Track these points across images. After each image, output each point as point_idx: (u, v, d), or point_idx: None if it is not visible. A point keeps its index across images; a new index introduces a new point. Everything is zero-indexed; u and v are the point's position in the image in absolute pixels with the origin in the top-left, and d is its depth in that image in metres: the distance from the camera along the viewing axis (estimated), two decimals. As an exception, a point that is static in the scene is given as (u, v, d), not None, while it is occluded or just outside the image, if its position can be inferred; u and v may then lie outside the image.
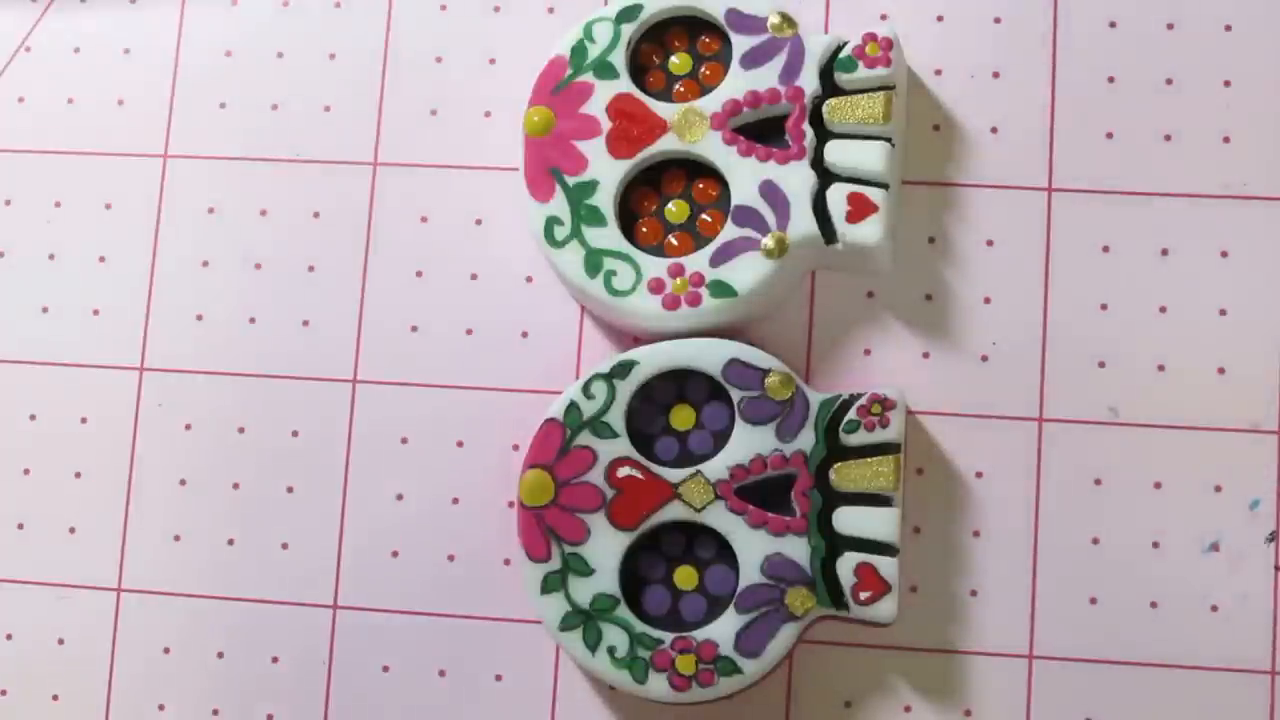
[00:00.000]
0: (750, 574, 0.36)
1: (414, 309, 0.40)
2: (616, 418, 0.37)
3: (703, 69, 0.38)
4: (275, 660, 0.39)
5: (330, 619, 0.39)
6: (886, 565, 0.36)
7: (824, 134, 0.38)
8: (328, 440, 0.40)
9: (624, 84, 0.38)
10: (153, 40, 0.42)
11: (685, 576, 0.37)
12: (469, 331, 0.40)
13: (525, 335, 0.40)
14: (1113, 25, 0.39)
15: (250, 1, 0.42)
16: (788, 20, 0.38)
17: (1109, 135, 0.39)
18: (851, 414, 0.36)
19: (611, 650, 0.36)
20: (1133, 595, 0.37)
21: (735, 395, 0.37)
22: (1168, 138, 0.39)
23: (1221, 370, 0.38)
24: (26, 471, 0.41)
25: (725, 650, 0.36)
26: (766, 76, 0.38)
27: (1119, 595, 0.37)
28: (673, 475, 0.37)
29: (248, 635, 0.40)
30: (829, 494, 0.36)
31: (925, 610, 0.38)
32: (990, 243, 0.39)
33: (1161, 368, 0.38)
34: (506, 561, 0.39)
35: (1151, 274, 0.38)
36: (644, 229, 0.38)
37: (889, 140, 0.37)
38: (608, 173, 0.38)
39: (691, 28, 0.39)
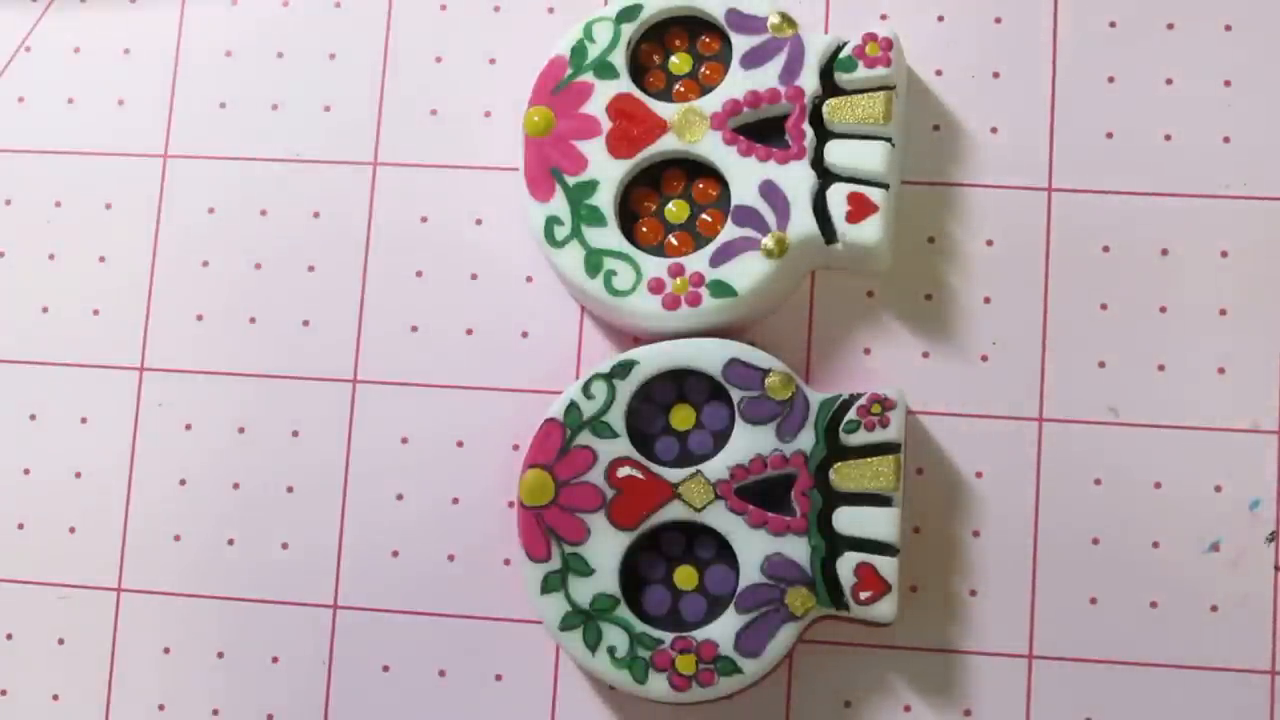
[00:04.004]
0: (750, 574, 0.36)
1: (414, 309, 0.40)
2: (616, 418, 0.37)
3: (703, 69, 0.38)
4: (275, 660, 0.39)
5: (330, 619, 0.39)
6: (886, 565, 0.36)
7: (824, 134, 0.38)
8: (328, 440, 0.40)
9: (624, 84, 0.38)
10: (153, 40, 0.42)
11: (685, 576, 0.37)
12: (469, 331, 0.40)
13: (525, 335, 0.40)
14: (1113, 25, 0.39)
15: (250, 1, 0.42)
16: (788, 20, 0.38)
17: (1109, 135, 0.39)
18: (851, 414, 0.36)
19: (611, 650, 0.36)
20: (1133, 595, 0.37)
21: (735, 395, 0.37)
22: (1168, 138, 0.39)
23: (1221, 370, 0.38)
24: (26, 471, 0.41)
25: (725, 650, 0.36)
26: (766, 76, 0.38)
27: (1119, 595, 0.37)
28: (673, 475, 0.36)
29: (248, 635, 0.40)
30: (829, 494, 0.36)
31: (925, 610, 0.38)
32: (990, 243, 0.39)
33: (1161, 368, 0.38)
34: (506, 561, 0.39)
35: (1151, 274, 0.38)
36: (644, 229, 0.38)
37: (889, 140, 0.37)
38: (608, 173, 0.38)
39: (691, 28, 0.39)
